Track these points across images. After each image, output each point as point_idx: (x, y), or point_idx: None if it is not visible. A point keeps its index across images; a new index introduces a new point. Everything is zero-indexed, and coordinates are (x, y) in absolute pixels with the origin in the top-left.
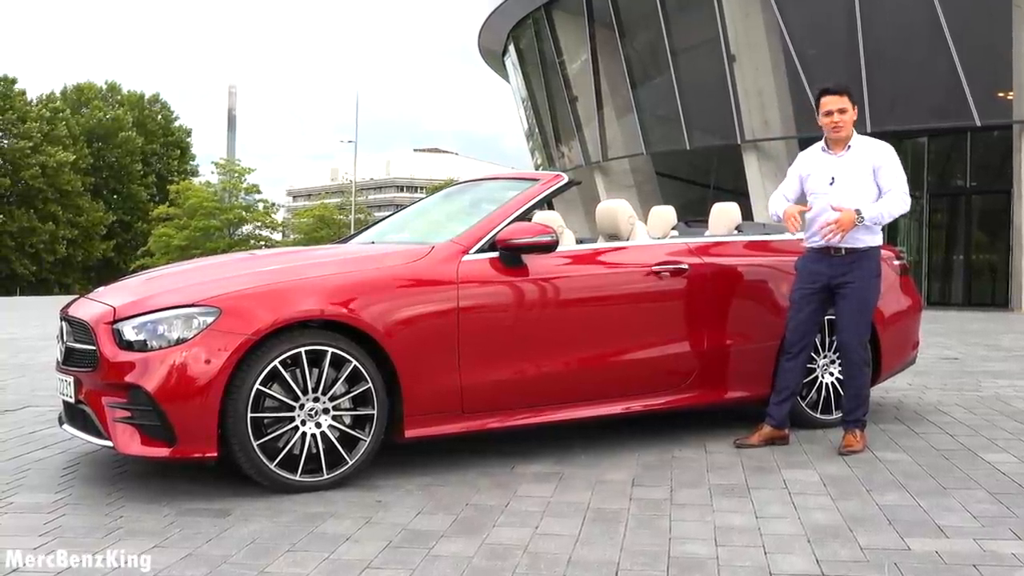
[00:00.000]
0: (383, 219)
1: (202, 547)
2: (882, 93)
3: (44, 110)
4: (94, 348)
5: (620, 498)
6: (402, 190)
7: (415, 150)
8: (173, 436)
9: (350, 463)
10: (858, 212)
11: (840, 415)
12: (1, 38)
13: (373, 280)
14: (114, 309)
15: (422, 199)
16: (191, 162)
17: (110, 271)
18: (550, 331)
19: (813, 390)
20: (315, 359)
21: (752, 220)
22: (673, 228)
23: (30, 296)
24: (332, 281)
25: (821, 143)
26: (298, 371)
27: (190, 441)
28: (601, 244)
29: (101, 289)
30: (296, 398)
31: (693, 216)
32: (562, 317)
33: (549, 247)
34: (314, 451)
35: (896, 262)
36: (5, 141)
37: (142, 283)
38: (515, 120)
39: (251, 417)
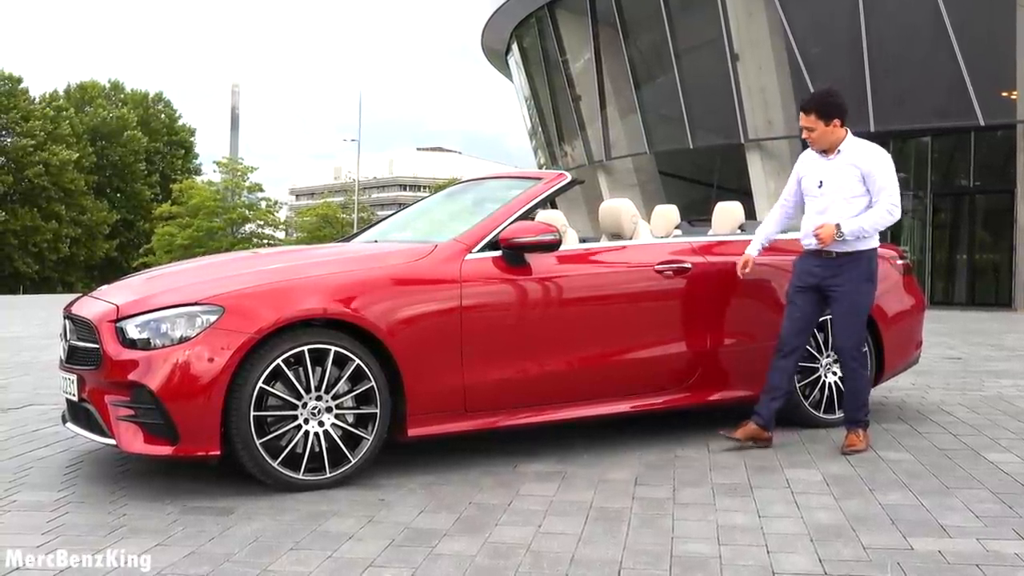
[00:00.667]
0: (386, 218)
1: (205, 545)
2: (885, 92)
3: (48, 109)
4: (97, 346)
5: (623, 497)
6: (405, 189)
7: (418, 149)
8: (176, 434)
9: (353, 462)
10: (838, 227)
11: (843, 414)
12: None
13: (376, 279)
14: (117, 307)
15: (425, 198)
16: (195, 161)
17: (113, 270)
18: (553, 330)
19: (816, 389)
20: (318, 358)
21: (755, 219)
22: (676, 227)
23: (33, 295)
24: (335, 280)
25: None
26: (301, 370)
27: (193, 439)
28: (604, 243)
29: (104, 287)
30: (299, 397)
31: (696, 215)
32: (565, 316)
33: (552, 246)
34: (317, 450)
35: (899, 261)
36: (8, 139)
37: (145, 281)
38: (518, 119)
39: (254, 415)
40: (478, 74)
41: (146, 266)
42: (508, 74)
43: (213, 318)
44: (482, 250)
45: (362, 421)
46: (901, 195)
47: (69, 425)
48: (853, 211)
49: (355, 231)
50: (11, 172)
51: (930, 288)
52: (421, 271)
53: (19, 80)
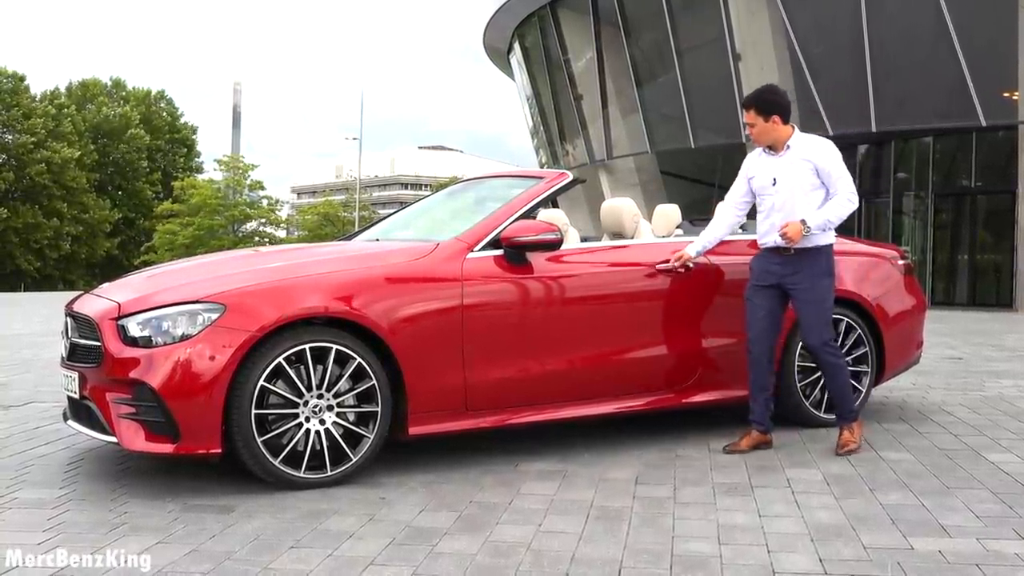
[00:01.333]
0: (387, 216)
1: (206, 543)
2: (887, 93)
3: (49, 106)
4: (99, 344)
5: (623, 496)
6: (406, 187)
7: (419, 147)
8: (177, 432)
9: (354, 460)
10: (804, 222)
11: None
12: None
13: (377, 277)
14: (119, 305)
15: (426, 196)
16: (196, 159)
17: (114, 268)
18: (554, 329)
19: (816, 389)
20: (319, 356)
21: (754, 219)
22: (678, 227)
23: (34, 292)
24: (336, 278)
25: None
26: (302, 368)
27: (194, 437)
28: (606, 243)
29: (106, 285)
30: (300, 395)
31: (698, 215)
32: (567, 315)
33: (553, 245)
34: (318, 448)
35: (900, 262)
36: (9, 137)
37: (147, 279)
38: (520, 118)
39: (255, 413)
40: (480, 73)
41: (147, 264)
42: (510, 73)
43: (215, 316)
44: (483, 249)
45: (363, 419)
46: (903, 196)
47: (70, 423)
48: (813, 204)
49: (356, 229)
50: (12, 170)
51: (931, 288)
52: (422, 270)
53: (22, 78)
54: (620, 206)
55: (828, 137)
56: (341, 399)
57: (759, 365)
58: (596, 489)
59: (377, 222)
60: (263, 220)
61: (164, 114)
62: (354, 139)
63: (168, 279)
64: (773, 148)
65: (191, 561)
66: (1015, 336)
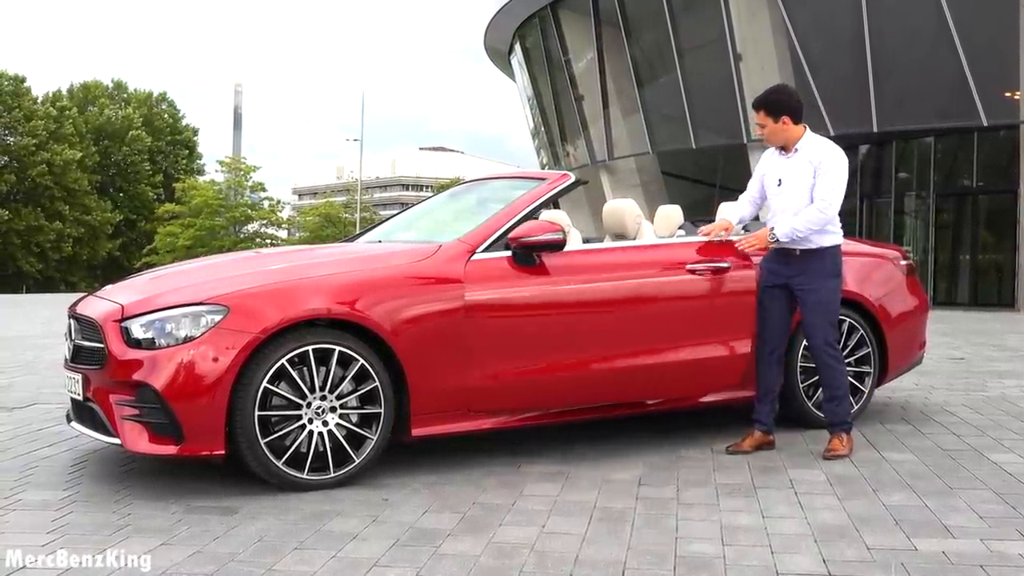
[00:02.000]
0: (389, 218)
1: (209, 545)
2: (888, 93)
3: (50, 108)
4: (102, 346)
5: (626, 497)
6: (408, 189)
7: (421, 149)
8: (181, 434)
9: (357, 461)
10: (771, 231)
11: (824, 415)
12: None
13: (380, 279)
14: (122, 307)
15: (428, 198)
16: (198, 161)
17: (116, 270)
18: (557, 330)
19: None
20: (322, 357)
21: (758, 219)
22: (680, 227)
23: (36, 294)
24: (339, 280)
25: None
26: (305, 369)
27: (198, 439)
28: (608, 243)
29: (109, 287)
30: (303, 396)
31: (699, 215)
32: (569, 317)
33: (556, 246)
34: (321, 449)
35: (903, 262)
36: (11, 139)
37: (150, 281)
38: (521, 119)
39: (258, 415)
40: (481, 74)
41: (149, 266)
42: (511, 74)
43: (218, 318)
44: (486, 250)
45: (366, 421)
46: (905, 196)
47: (74, 424)
48: None
49: (358, 231)
50: (14, 172)
51: (933, 288)
52: (425, 271)
53: (23, 80)
54: (622, 207)
55: (829, 137)
56: (344, 401)
57: (767, 365)
58: (599, 490)
59: (379, 224)
60: (264, 221)
61: (166, 116)
62: (355, 140)
63: (171, 281)
64: (784, 149)
65: (195, 563)
66: (1017, 336)
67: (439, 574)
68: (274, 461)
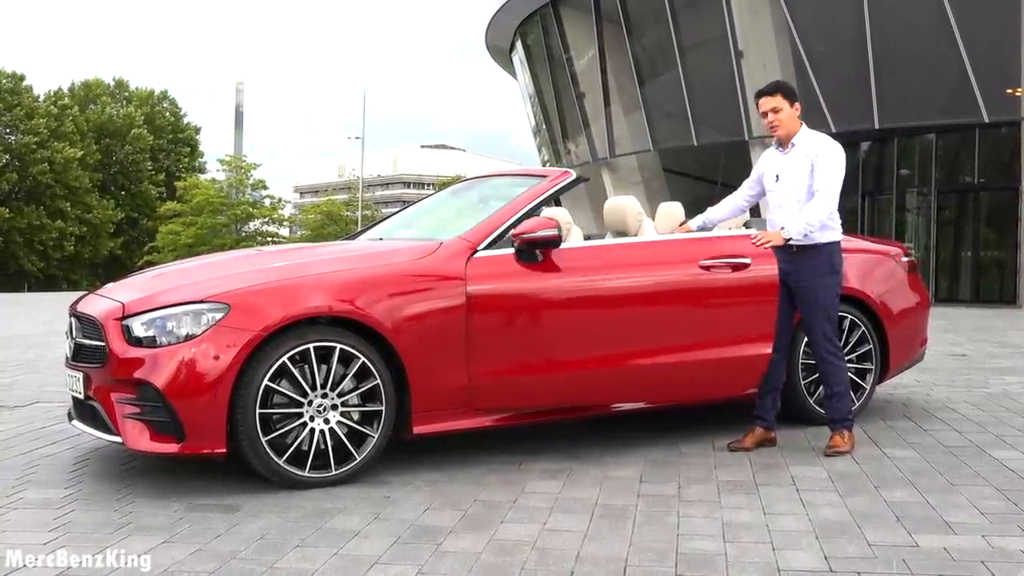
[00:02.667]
0: (391, 215)
1: (211, 543)
2: (890, 90)
3: (52, 106)
4: (103, 344)
5: (628, 494)
6: (409, 187)
7: (422, 146)
8: (182, 432)
9: (358, 459)
10: (783, 229)
11: (824, 412)
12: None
13: (381, 276)
14: (123, 305)
15: (429, 195)
16: (200, 159)
17: (117, 268)
18: (559, 327)
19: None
20: (323, 355)
21: (759, 216)
22: (681, 224)
23: (38, 293)
24: (340, 277)
25: (776, 141)
26: (306, 367)
27: (199, 437)
28: (610, 240)
29: (110, 285)
30: (304, 394)
31: (701, 212)
32: (570, 314)
33: (553, 242)
34: (322, 447)
35: (904, 259)
36: (12, 137)
37: (151, 279)
38: (522, 117)
39: (260, 413)
40: (482, 72)
41: (151, 264)
42: (512, 72)
43: (219, 316)
44: (487, 247)
45: (367, 419)
46: (906, 193)
47: (75, 423)
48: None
49: (360, 229)
50: (16, 170)
51: (935, 285)
52: (426, 269)
53: (22, 77)
54: (623, 204)
55: (831, 134)
56: (345, 398)
57: (771, 362)
58: (600, 487)
59: (380, 221)
60: (266, 219)
61: (167, 114)
62: (357, 138)
63: (172, 279)
64: (783, 144)
65: (196, 560)
66: (1019, 333)
67: (440, 572)
68: (275, 459)
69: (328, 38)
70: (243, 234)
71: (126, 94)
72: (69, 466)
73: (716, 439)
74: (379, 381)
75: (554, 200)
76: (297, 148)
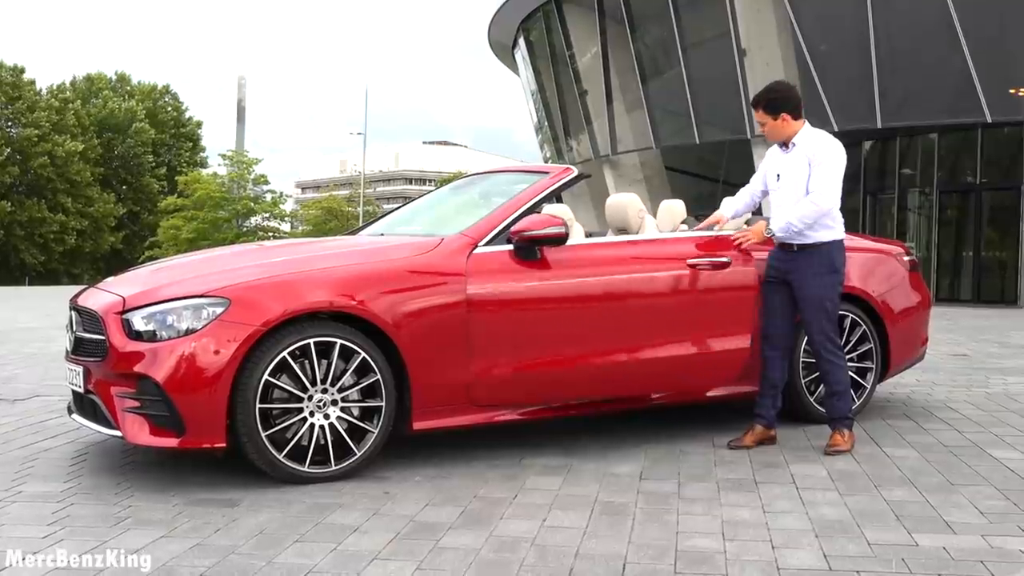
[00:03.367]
0: (392, 211)
1: (211, 537)
2: (893, 89)
3: (53, 100)
4: (103, 338)
5: (628, 491)
6: (411, 182)
7: (424, 142)
8: (182, 426)
9: (358, 455)
10: (767, 226)
11: (825, 411)
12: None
13: (382, 272)
14: (123, 299)
15: (431, 191)
16: (201, 154)
17: (119, 262)
18: (560, 324)
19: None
20: (324, 350)
21: (761, 215)
22: (682, 222)
23: (39, 286)
24: (341, 273)
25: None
26: (307, 362)
27: (199, 431)
28: (611, 237)
29: (110, 279)
30: (305, 389)
31: (702, 210)
32: (571, 311)
33: (558, 240)
34: (322, 442)
35: (906, 258)
36: (14, 131)
37: (151, 273)
38: (525, 114)
39: (260, 408)
40: (485, 68)
41: (152, 259)
42: (515, 68)
43: (219, 310)
44: (488, 244)
45: (367, 414)
46: (908, 192)
47: (75, 416)
48: None
49: (361, 224)
50: (17, 163)
51: (936, 285)
52: (427, 264)
53: (22, 70)
54: (625, 201)
55: (833, 133)
56: (345, 394)
57: (771, 360)
58: (600, 484)
59: (382, 217)
60: (267, 215)
61: (169, 109)
62: (359, 134)
63: (172, 273)
64: (785, 144)
65: (196, 555)
66: (1020, 333)
67: (440, 567)
68: (275, 454)
69: (331, 33)
70: (244, 229)
71: (128, 88)
72: (69, 460)
73: (716, 437)
74: (379, 377)
75: (556, 197)
76: (299, 143)
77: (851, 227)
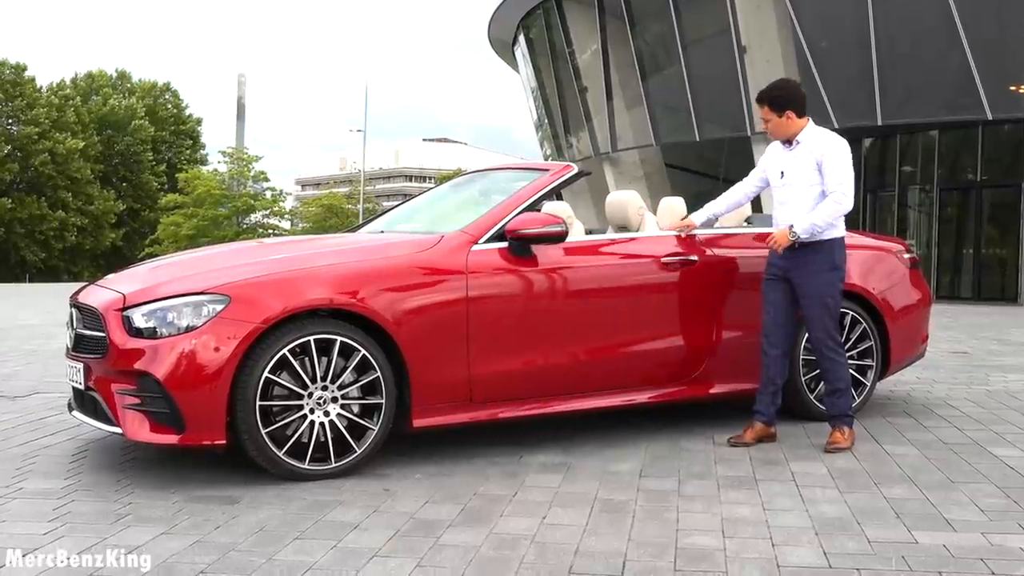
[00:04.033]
0: (392, 208)
1: (211, 534)
2: (893, 86)
3: (54, 97)
4: (104, 335)
5: (628, 489)
6: (411, 180)
7: (424, 140)
8: (182, 423)
9: (358, 452)
10: (791, 228)
11: (825, 409)
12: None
13: (382, 269)
14: (124, 296)
15: (431, 189)
16: (201, 151)
17: (119, 259)
18: (559, 322)
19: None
20: (324, 348)
21: (761, 212)
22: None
23: (39, 283)
24: (341, 270)
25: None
26: (307, 359)
27: (199, 428)
28: (611, 235)
29: (111, 276)
30: (305, 386)
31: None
32: (571, 308)
33: (558, 237)
34: (322, 439)
35: (906, 255)
36: (14, 128)
37: (151, 270)
38: (525, 111)
39: (260, 405)
40: (485, 66)
41: (152, 256)
42: (515, 66)
43: (219, 307)
44: (488, 241)
45: (367, 412)
46: (909, 189)
47: (75, 413)
48: (812, 200)
49: (361, 221)
50: (18, 161)
51: (936, 282)
52: (427, 262)
53: (24, 68)
54: (625, 199)
55: (834, 130)
56: (345, 391)
57: (770, 357)
58: (600, 482)
59: (382, 214)
60: (267, 212)
61: (169, 106)
62: (358, 131)
63: (173, 270)
64: (788, 142)
65: (195, 552)
66: (1020, 330)
67: (439, 565)
68: (275, 451)
69: (331, 31)
70: (244, 226)
71: (128, 86)
72: (69, 456)
73: (716, 434)
74: (379, 374)
75: (556, 194)
76: (299, 141)
77: (851, 224)
